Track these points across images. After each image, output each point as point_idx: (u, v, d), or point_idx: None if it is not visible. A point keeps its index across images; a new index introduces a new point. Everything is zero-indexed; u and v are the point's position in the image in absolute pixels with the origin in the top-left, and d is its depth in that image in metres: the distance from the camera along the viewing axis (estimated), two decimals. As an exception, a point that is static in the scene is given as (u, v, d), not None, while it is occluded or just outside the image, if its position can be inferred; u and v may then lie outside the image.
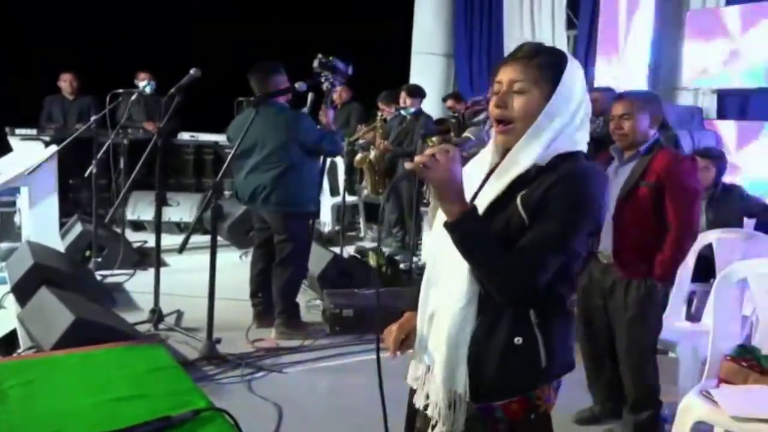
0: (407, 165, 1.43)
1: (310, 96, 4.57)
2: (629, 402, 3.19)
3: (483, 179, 1.61)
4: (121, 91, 5.24)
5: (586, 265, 3.28)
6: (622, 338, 3.12)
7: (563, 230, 1.48)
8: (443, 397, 1.56)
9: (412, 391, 1.72)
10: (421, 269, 5.92)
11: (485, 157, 1.65)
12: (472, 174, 1.61)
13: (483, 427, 1.56)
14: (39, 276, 4.08)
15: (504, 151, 1.59)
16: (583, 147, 1.56)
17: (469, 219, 1.46)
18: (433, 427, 1.60)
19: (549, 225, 1.46)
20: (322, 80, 4.32)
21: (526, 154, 1.51)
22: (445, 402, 1.56)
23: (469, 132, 1.54)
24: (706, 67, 6.51)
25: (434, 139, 6.07)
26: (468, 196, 1.53)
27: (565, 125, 1.52)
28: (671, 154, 3.07)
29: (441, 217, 1.52)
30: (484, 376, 1.53)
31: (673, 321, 3.63)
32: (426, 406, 1.63)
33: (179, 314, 4.56)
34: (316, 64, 4.27)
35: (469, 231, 1.47)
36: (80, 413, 1.45)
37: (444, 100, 7.68)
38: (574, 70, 1.55)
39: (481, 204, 1.52)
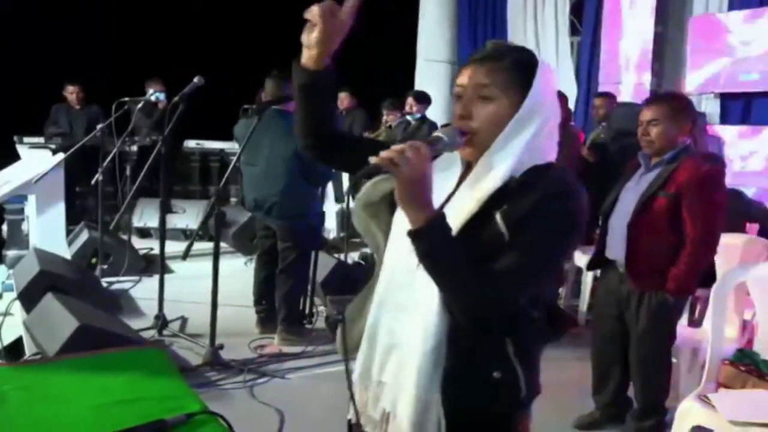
0: (372, 159, 1.25)
1: None
2: (637, 409, 3.19)
3: (452, 190, 1.45)
4: (126, 99, 5.29)
5: (603, 276, 3.27)
6: (635, 348, 3.10)
7: (550, 250, 1.35)
8: None
9: (352, 426, 1.55)
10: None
11: (454, 165, 1.48)
12: (438, 182, 1.39)
13: None
14: (45, 283, 4.11)
15: (467, 163, 1.45)
16: (553, 157, 1.44)
17: (437, 226, 1.29)
18: None
19: (536, 244, 1.32)
20: None
21: (498, 166, 1.36)
22: None
23: (442, 131, 1.36)
24: (709, 72, 6.52)
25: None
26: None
27: (537, 134, 1.38)
28: (696, 164, 2.89)
29: (404, 226, 1.32)
30: (463, 419, 1.38)
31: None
32: None
33: (183, 320, 4.59)
34: None
35: (437, 241, 1.29)
36: (77, 416, 1.49)
37: None
38: (546, 74, 1.41)
39: (452, 219, 1.34)
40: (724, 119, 6.60)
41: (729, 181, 5.43)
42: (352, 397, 1.44)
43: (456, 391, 1.36)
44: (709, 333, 2.90)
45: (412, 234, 1.28)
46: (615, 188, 3.15)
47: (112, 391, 1.60)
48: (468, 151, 1.41)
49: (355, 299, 1.54)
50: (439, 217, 1.30)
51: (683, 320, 3.76)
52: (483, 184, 1.36)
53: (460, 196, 1.40)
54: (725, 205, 2.94)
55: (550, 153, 1.42)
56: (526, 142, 1.37)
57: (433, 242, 1.28)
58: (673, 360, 3.52)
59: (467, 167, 1.44)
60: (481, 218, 1.34)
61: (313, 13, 1.37)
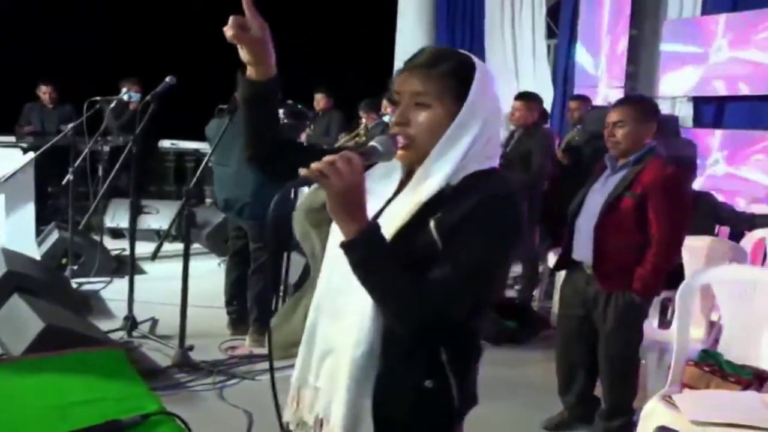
0: (302, 171, 1.22)
1: None
2: (605, 409, 3.21)
3: (389, 198, 1.43)
4: (98, 98, 5.23)
5: (569, 277, 3.29)
6: (603, 349, 3.12)
7: (486, 258, 1.31)
8: None
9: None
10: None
11: (394, 172, 1.46)
12: (377, 189, 1.42)
13: None
14: (12, 283, 4.04)
15: (408, 170, 1.42)
16: (495, 162, 1.42)
17: (370, 238, 1.26)
18: None
19: (470, 252, 1.29)
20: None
21: (436, 174, 1.34)
22: None
23: (377, 141, 1.33)
24: (683, 75, 6.59)
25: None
26: (370, 215, 1.33)
27: (476, 140, 1.36)
28: (661, 165, 2.95)
29: (339, 235, 1.30)
30: (395, 427, 1.36)
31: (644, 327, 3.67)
32: None
33: (154, 322, 4.54)
34: (283, 112, 4.34)
35: (370, 253, 1.26)
36: (33, 417, 1.48)
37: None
38: (483, 79, 1.38)
39: (387, 227, 1.32)
40: (697, 122, 6.68)
41: (704, 185, 5.51)
42: (276, 401, 1.39)
43: (387, 399, 1.34)
44: (675, 334, 2.93)
45: (343, 246, 1.26)
46: (582, 190, 3.18)
47: (70, 392, 1.59)
48: (406, 156, 1.39)
49: (288, 301, 1.55)
50: (372, 228, 1.27)
51: (654, 321, 3.80)
52: (419, 191, 1.34)
53: (397, 202, 1.39)
54: (690, 206, 3.01)
55: (491, 159, 1.41)
56: (464, 149, 1.35)
57: (364, 254, 1.26)
58: (642, 361, 3.55)
59: (408, 174, 1.42)
60: (416, 226, 1.32)
61: (228, 36, 1.38)
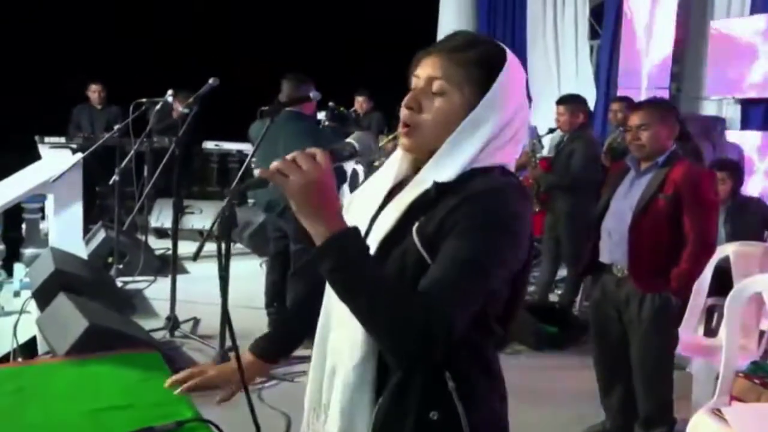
0: (258, 172, 1.12)
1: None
2: (641, 417, 3.15)
3: (383, 200, 1.28)
4: (144, 100, 5.31)
5: (598, 279, 3.26)
6: (636, 351, 3.09)
7: (475, 257, 1.13)
8: None
9: None
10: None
11: (389, 169, 1.31)
12: (371, 191, 1.29)
13: None
14: (59, 282, 4.13)
15: (412, 162, 1.28)
16: (509, 161, 1.26)
17: (342, 243, 1.09)
18: None
19: (457, 252, 1.13)
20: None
21: (439, 172, 1.19)
22: None
23: (354, 137, 1.24)
24: (730, 76, 6.41)
25: None
26: (366, 222, 1.23)
27: (492, 138, 1.21)
28: (689, 166, 3.00)
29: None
30: None
31: (689, 335, 3.59)
32: None
33: (196, 321, 4.60)
34: (325, 115, 4.33)
35: (342, 259, 1.08)
36: (66, 422, 1.46)
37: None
38: (512, 71, 1.24)
39: (375, 236, 1.20)
40: (745, 124, 6.49)
41: (752, 190, 5.35)
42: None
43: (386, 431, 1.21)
44: (724, 343, 2.85)
45: (314, 255, 1.11)
46: (605, 193, 3.19)
47: (106, 396, 1.58)
48: (409, 144, 1.26)
49: None
50: (346, 231, 1.11)
51: (697, 329, 3.71)
52: (410, 192, 1.21)
53: (390, 206, 1.25)
54: (718, 204, 3.11)
55: (507, 156, 1.26)
56: (477, 146, 1.21)
57: (336, 261, 1.09)
58: (688, 370, 3.47)
59: (413, 167, 1.28)
60: (400, 233, 1.19)
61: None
